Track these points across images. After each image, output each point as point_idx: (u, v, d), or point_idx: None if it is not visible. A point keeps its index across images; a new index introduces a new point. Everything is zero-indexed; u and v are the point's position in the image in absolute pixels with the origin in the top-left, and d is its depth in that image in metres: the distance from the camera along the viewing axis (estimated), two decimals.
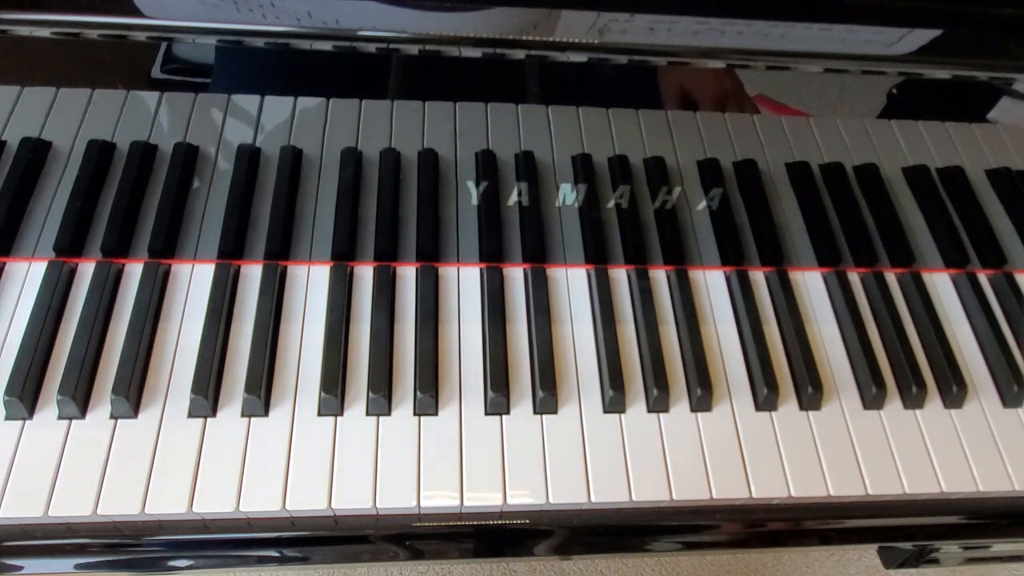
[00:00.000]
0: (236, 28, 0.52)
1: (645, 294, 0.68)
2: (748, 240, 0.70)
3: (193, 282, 0.66)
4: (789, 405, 0.64)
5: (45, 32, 0.52)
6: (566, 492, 0.58)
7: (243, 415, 0.60)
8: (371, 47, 0.54)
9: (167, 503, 0.55)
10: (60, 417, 0.59)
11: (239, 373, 0.61)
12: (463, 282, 0.68)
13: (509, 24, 0.53)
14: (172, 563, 0.60)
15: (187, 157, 0.65)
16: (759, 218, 0.70)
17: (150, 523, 0.57)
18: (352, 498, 0.57)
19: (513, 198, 0.67)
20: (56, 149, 0.64)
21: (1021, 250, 0.73)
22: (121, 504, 0.55)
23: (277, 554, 0.60)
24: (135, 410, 0.59)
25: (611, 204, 0.68)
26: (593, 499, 0.58)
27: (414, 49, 0.54)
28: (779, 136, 0.66)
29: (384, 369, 0.62)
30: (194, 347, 0.62)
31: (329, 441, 0.59)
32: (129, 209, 0.65)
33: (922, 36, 0.57)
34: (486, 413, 0.61)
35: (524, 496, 0.58)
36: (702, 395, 0.63)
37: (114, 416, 0.59)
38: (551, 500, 0.58)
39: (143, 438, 0.58)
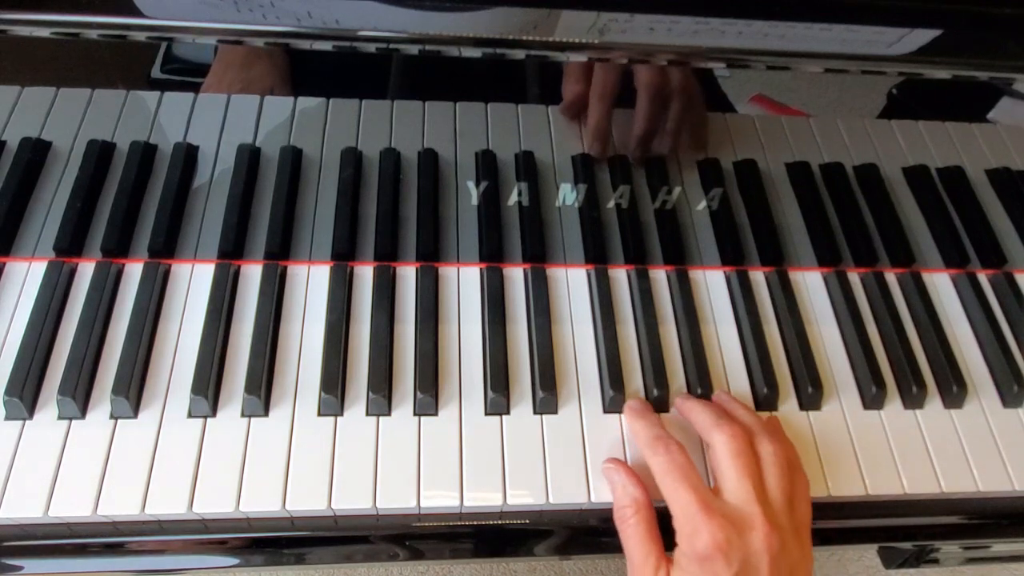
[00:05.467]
0: (236, 28, 0.52)
1: (645, 294, 0.68)
2: (748, 240, 0.70)
3: (193, 282, 0.66)
4: (789, 405, 0.65)
5: (45, 32, 0.52)
6: (566, 492, 0.58)
7: (243, 415, 0.60)
8: (371, 47, 0.54)
9: (167, 503, 0.55)
10: (60, 417, 0.59)
11: (239, 373, 0.61)
12: (463, 282, 0.68)
13: (509, 24, 0.53)
14: (172, 563, 0.60)
15: (187, 157, 0.65)
16: (759, 218, 0.70)
17: (150, 523, 0.57)
18: (352, 498, 0.57)
19: (513, 198, 0.67)
20: (56, 149, 0.64)
21: (1021, 250, 0.73)
22: (121, 504, 0.55)
23: (277, 554, 0.60)
24: (135, 410, 0.59)
25: (611, 204, 0.68)
26: (593, 499, 0.58)
27: (414, 49, 0.54)
28: (779, 136, 0.66)
29: (384, 369, 0.62)
30: (194, 347, 0.62)
31: (329, 441, 0.59)
32: (129, 209, 0.65)
33: (922, 36, 0.57)
34: (486, 413, 0.61)
35: (524, 496, 0.58)
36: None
37: (114, 416, 0.59)
38: (551, 500, 0.58)
39: (143, 438, 0.58)
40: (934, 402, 0.66)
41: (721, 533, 0.50)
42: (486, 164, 0.66)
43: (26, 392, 0.58)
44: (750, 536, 0.51)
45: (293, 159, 0.66)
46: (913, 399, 0.65)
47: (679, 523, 0.52)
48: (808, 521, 0.55)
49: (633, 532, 0.55)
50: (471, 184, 0.66)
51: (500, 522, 0.60)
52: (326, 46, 0.54)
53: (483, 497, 0.58)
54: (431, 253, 0.67)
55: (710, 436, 0.56)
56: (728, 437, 0.55)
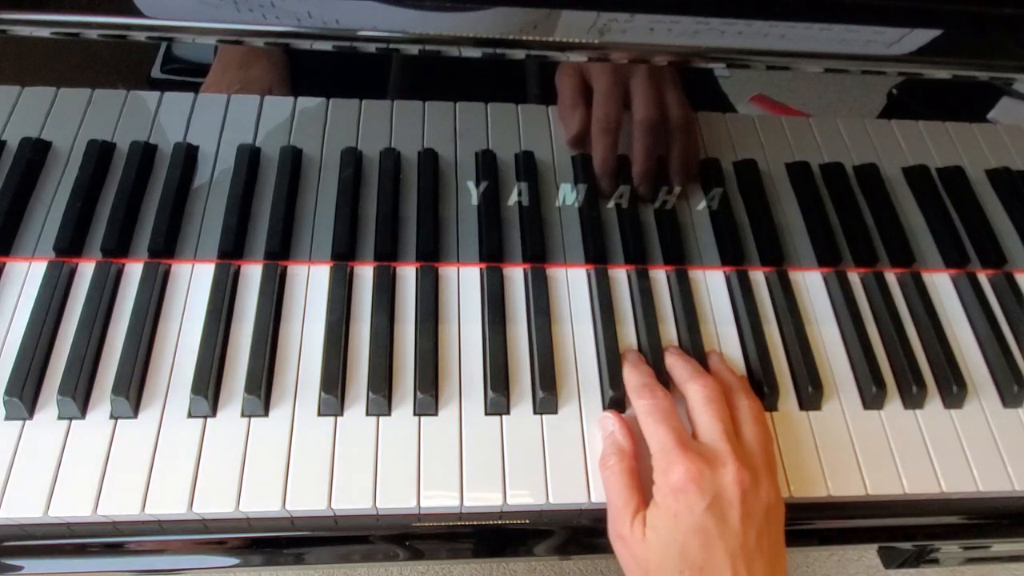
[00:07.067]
0: (236, 28, 0.52)
1: (645, 294, 0.68)
2: (748, 240, 0.70)
3: (193, 282, 0.66)
4: (789, 405, 0.65)
5: (45, 32, 0.52)
6: (566, 492, 0.58)
7: (243, 415, 0.60)
8: (371, 47, 0.54)
9: (167, 503, 0.55)
10: (60, 417, 0.59)
11: (239, 373, 0.61)
12: (463, 282, 0.68)
13: (509, 24, 0.53)
14: (172, 563, 0.60)
15: (187, 157, 0.65)
16: (759, 218, 0.70)
17: (150, 523, 0.57)
18: (352, 498, 0.57)
19: (513, 198, 0.67)
20: (56, 149, 0.64)
21: (1021, 250, 0.73)
22: (121, 504, 0.55)
23: (276, 554, 0.60)
24: (135, 410, 0.59)
25: (611, 204, 0.68)
26: (593, 499, 0.58)
27: (414, 49, 0.54)
28: (779, 136, 0.66)
29: (384, 369, 0.62)
30: (194, 347, 0.62)
31: (329, 441, 0.59)
32: (129, 209, 0.65)
33: (922, 36, 0.57)
34: (486, 413, 0.61)
35: (524, 496, 0.58)
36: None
37: (114, 416, 0.59)
38: (551, 500, 0.58)
39: (143, 438, 0.58)
40: (934, 402, 0.66)
41: (694, 465, 0.53)
42: (486, 164, 0.66)
43: (26, 392, 0.58)
44: (722, 471, 0.53)
45: (293, 159, 0.66)
46: (913, 399, 0.65)
47: (656, 460, 0.55)
48: (776, 470, 0.59)
49: (616, 479, 0.56)
50: (471, 184, 0.66)
51: (500, 522, 0.60)
52: (326, 46, 0.54)
53: (483, 497, 0.58)
54: (431, 253, 0.67)
55: (685, 387, 0.60)
56: (701, 387, 0.58)
